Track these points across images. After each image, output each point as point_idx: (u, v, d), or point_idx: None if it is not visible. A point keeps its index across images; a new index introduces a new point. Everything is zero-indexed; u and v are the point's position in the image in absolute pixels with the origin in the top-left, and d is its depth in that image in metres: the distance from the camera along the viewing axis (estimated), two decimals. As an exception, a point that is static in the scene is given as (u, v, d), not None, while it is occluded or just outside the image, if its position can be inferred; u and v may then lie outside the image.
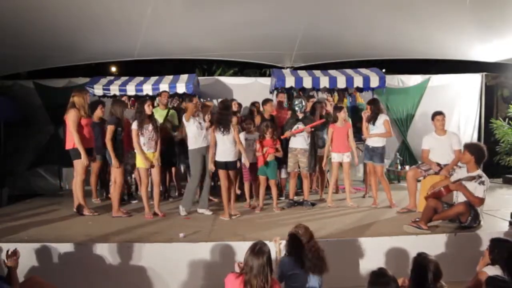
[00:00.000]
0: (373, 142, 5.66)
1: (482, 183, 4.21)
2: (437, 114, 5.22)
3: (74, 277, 3.83)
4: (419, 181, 5.53)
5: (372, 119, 5.68)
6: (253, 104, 6.61)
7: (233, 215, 5.17)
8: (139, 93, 6.82)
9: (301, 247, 2.96)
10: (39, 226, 4.74)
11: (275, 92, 7.25)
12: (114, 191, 5.22)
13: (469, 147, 4.45)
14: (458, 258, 3.96)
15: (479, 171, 4.35)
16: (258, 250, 2.68)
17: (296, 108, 5.64)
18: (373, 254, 4.00)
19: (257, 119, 6.05)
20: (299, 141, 5.57)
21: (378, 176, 5.69)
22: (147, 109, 5.10)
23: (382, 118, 5.65)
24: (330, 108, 6.50)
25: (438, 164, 5.10)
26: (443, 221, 4.48)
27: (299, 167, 5.62)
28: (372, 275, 2.47)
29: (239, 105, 6.47)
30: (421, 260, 2.69)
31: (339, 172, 5.83)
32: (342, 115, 5.67)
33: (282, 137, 5.65)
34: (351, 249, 4.06)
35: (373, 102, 5.82)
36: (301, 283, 2.94)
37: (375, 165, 5.66)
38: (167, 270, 3.93)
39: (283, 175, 6.27)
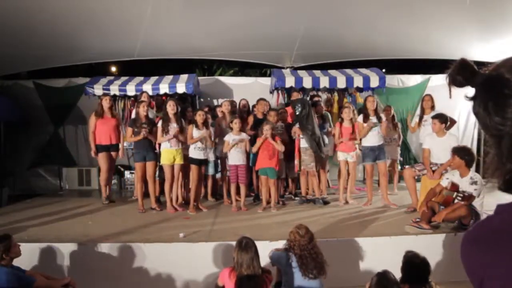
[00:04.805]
0: (378, 141, 5.59)
1: (475, 183, 4.26)
2: (434, 118, 5.21)
3: (74, 277, 3.81)
4: (418, 180, 5.54)
5: (377, 115, 5.57)
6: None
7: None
8: (139, 93, 6.81)
9: (300, 250, 2.96)
10: (39, 226, 4.74)
11: (275, 92, 7.26)
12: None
13: (458, 151, 4.43)
14: (458, 258, 3.92)
15: (472, 173, 4.38)
16: (245, 245, 2.79)
17: (296, 112, 5.62)
18: (373, 254, 4.00)
19: (250, 119, 6.04)
20: (302, 141, 5.58)
21: (383, 173, 5.65)
22: (169, 108, 5.34)
23: (384, 117, 5.64)
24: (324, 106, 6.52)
25: (431, 168, 5.11)
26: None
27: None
28: (376, 277, 2.48)
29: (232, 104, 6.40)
30: (410, 257, 2.74)
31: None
32: (346, 114, 5.64)
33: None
34: (351, 249, 4.06)
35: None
36: (298, 284, 2.94)
37: (381, 163, 5.63)
38: (167, 270, 3.92)
39: (292, 175, 6.21)
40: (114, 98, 7.20)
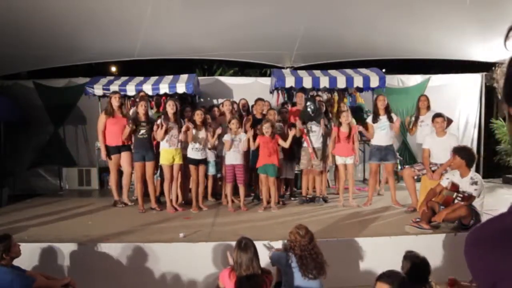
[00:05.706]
0: (386, 141, 5.57)
1: (475, 183, 4.25)
2: (436, 116, 5.20)
3: (74, 277, 3.81)
4: (418, 180, 5.54)
5: (387, 114, 5.58)
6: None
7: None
8: (136, 93, 6.80)
9: (301, 250, 2.96)
10: (39, 226, 4.74)
11: (275, 92, 7.25)
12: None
13: (458, 151, 4.41)
14: (458, 258, 3.93)
15: (472, 173, 4.37)
16: (245, 245, 2.80)
17: (308, 109, 5.60)
18: (373, 254, 4.00)
19: (249, 119, 6.05)
20: (312, 140, 5.56)
21: (389, 174, 5.65)
22: (169, 108, 5.35)
23: (396, 116, 5.65)
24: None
25: (430, 168, 5.10)
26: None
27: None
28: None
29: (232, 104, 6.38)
30: (410, 257, 2.74)
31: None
32: (344, 118, 5.60)
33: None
34: (351, 249, 4.06)
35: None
36: (298, 285, 2.94)
37: (388, 164, 5.62)
38: (167, 270, 3.93)
39: (290, 176, 6.19)
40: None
